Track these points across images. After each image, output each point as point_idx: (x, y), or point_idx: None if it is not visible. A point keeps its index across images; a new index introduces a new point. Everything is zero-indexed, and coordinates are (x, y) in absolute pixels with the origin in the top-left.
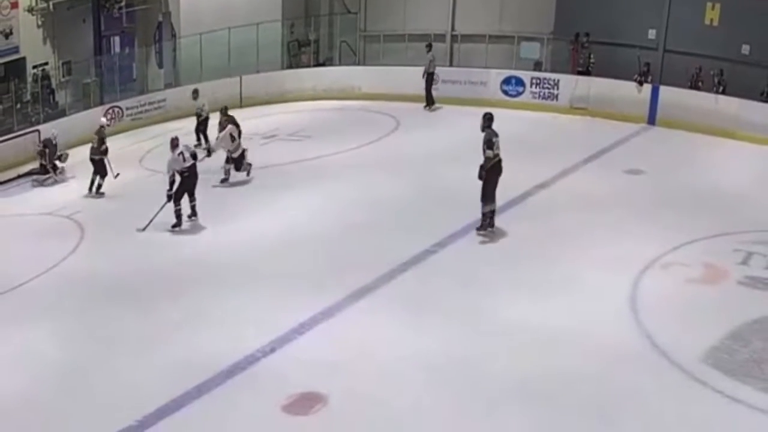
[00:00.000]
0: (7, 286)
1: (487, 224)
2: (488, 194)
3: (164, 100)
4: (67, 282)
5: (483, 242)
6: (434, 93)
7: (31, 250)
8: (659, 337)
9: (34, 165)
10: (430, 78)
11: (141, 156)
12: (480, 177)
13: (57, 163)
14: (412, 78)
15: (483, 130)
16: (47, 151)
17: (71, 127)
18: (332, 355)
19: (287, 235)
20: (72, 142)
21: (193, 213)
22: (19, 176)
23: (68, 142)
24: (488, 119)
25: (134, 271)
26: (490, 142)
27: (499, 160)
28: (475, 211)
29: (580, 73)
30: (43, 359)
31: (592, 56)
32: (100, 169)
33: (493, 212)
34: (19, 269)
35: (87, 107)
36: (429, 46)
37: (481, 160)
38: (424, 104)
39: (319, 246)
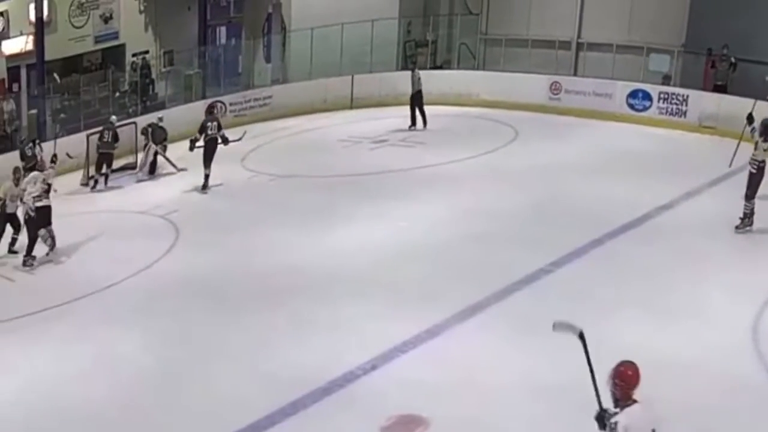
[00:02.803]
0: (96, 287)
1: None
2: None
3: (270, 96)
4: (159, 284)
5: (601, 263)
6: (553, 103)
7: (123, 250)
8: None
9: (129, 159)
10: (417, 96)
11: (243, 155)
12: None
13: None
14: (533, 86)
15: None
16: (151, 132)
17: (170, 121)
18: (436, 375)
19: (395, 245)
20: (170, 137)
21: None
22: (113, 170)
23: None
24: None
25: (231, 276)
26: None
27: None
28: (594, 230)
29: (717, 88)
30: (131, 364)
31: (733, 70)
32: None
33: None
34: (110, 269)
35: (188, 100)
36: (414, 64)
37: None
38: (410, 124)
39: (429, 258)
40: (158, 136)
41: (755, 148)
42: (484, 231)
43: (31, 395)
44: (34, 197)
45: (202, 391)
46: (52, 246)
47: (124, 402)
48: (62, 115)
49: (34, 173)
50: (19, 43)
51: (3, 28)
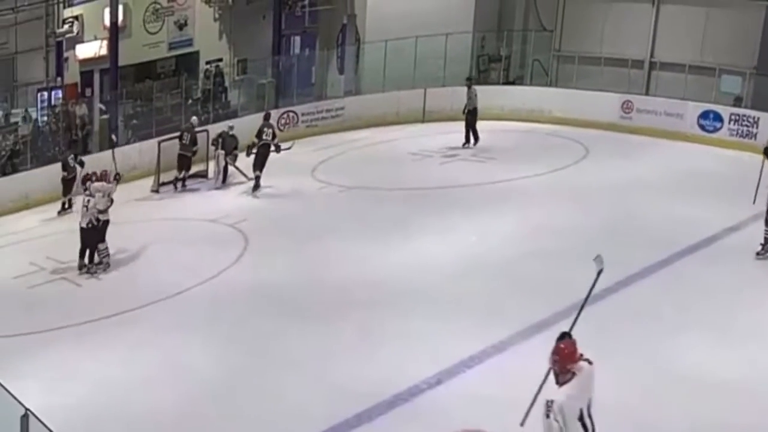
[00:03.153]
0: (163, 294)
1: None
2: None
3: (343, 108)
4: (227, 293)
5: (667, 283)
6: (624, 121)
7: (191, 258)
8: None
9: (201, 167)
10: (472, 114)
11: (314, 166)
12: None
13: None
14: (605, 104)
15: None
16: (221, 141)
17: (242, 129)
18: (502, 392)
19: (464, 260)
20: (243, 146)
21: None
22: (184, 178)
23: (239, 146)
24: None
25: (298, 287)
26: None
27: None
28: (662, 250)
29: None
30: (197, 372)
31: None
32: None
33: None
34: (178, 277)
35: (260, 109)
36: (470, 80)
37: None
38: (464, 142)
39: (498, 274)
40: (229, 145)
41: None
42: (552, 248)
43: (97, 400)
44: (99, 210)
45: (267, 400)
46: (107, 265)
47: (188, 410)
48: (134, 121)
49: (104, 185)
50: (93, 48)
51: (77, 32)
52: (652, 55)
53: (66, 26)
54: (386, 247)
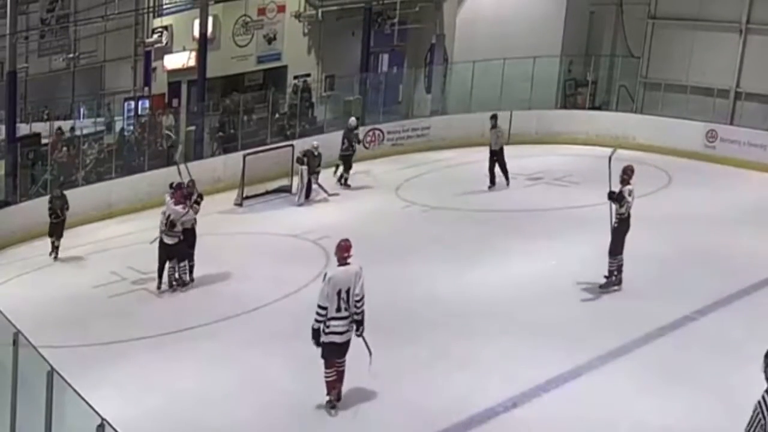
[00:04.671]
0: (243, 308)
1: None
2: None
3: (428, 127)
4: (307, 310)
5: (745, 314)
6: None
7: (272, 273)
8: None
9: (284, 182)
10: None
11: (398, 184)
12: None
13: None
14: (689, 132)
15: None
16: (306, 160)
17: (327, 146)
18: (575, 417)
19: (542, 284)
20: (327, 162)
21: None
22: (268, 192)
23: (324, 162)
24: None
25: (378, 305)
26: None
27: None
28: (741, 281)
29: None
30: (275, 388)
31: None
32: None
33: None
34: (258, 291)
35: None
36: (495, 119)
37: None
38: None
39: (576, 299)
40: (313, 163)
41: None
42: (630, 275)
43: (173, 413)
44: (160, 230)
45: (345, 417)
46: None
47: (265, 427)
48: (220, 134)
49: (177, 211)
50: (182, 59)
51: (166, 43)
52: (737, 85)
53: (155, 36)
54: (466, 269)
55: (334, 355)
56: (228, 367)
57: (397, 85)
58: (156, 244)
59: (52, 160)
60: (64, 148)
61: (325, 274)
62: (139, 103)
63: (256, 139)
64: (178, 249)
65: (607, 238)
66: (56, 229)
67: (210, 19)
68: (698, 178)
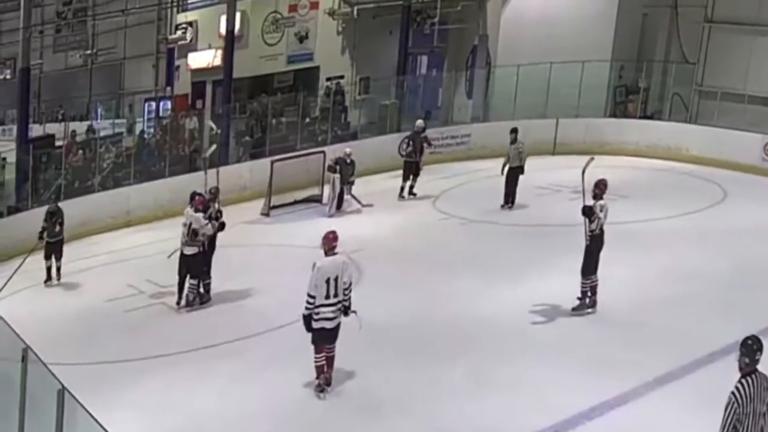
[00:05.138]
0: (266, 326)
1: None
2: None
3: (469, 135)
4: None
5: None
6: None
7: (298, 288)
8: None
9: (315, 191)
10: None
11: (436, 195)
12: None
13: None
14: (746, 144)
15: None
16: (338, 167)
17: (361, 153)
18: None
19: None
20: (361, 171)
21: None
22: (297, 202)
23: (357, 171)
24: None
25: (409, 322)
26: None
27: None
28: None
29: None
30: (297, 408)
31: None
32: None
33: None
34: (282, 308)
35: (382, 132)
36: (515, 132)
37: None
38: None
39: (620, 320)
40: (346, 172)
41: None
42: (679, 294)
43: None
44: (181, 242)
45: None
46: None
47: None
48: (246, 138)
49: (199, 219)
50: (207, 57)
51: (191, 40)
52: None
53: (179, 32)
54: (502, 286)
55: (324, 341)
56: (248, 387)
57: (437, 89)
58: (174, 257)
59: (67, 163)
60: (80, 152)
61: (314, 264)
62: (161, 104)
63: (285, 145)
64: (197, 262)
65: (655, 255)
66: (54, 250)
67: (238, 15)
68: (755, 193)
